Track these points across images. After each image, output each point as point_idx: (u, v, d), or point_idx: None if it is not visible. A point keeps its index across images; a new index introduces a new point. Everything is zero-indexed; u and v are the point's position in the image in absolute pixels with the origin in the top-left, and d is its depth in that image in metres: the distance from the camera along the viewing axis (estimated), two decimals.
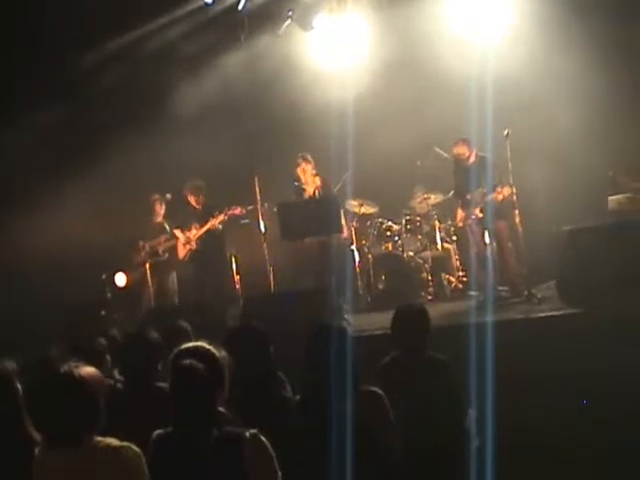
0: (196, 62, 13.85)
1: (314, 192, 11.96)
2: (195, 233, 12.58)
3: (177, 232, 12.78)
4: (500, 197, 10.70)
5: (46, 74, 13.30)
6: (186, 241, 12.65)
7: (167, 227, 12.91)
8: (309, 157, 11.98)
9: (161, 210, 12.98)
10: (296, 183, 11.95)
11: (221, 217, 12.32)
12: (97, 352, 6.04)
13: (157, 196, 13.00)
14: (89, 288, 12.98)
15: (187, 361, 4.30)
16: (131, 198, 13.12)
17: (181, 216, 12.87)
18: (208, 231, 12.47)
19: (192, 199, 12.71)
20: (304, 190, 11.96)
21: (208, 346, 4.52)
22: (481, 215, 11.15)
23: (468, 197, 11.37)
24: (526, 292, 10.55)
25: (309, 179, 11.96)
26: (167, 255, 12.82)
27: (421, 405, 5.48)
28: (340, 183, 12.54)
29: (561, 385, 7.94)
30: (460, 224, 11.89)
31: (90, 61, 13.33)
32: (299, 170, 11.95)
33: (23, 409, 4.38)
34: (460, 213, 11.76)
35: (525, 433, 7.25)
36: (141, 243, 12.85)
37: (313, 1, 13.18)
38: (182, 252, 12.71)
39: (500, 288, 11.10)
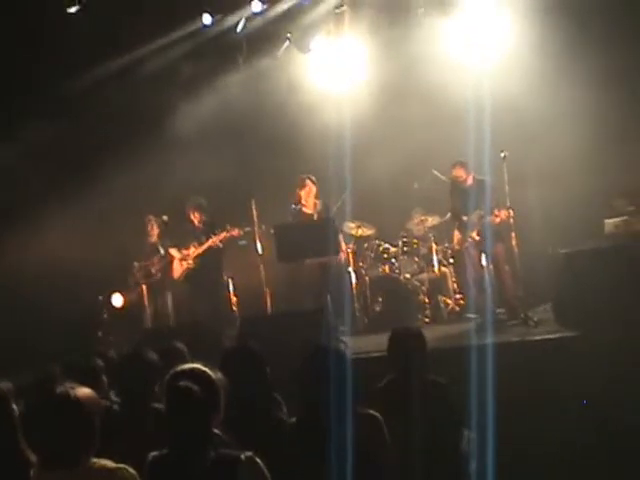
0: (195, 83, 13.92)
1: (314, 215, 11.94)
2: (194, 251, 12.56)
3: (173, 251, 12.76)
4: (497, 220, 10.71)
5: (45, 91, 13.32)
6: (183, 258, 12.63)
7: (160, 248, 12.88)
8: (314, 179, 11.98)
9: (154, 231, 12.98)
10: (294, 206, 11.92)
11: (223, 235, 12.30)
12: (93, 373, 6.02)
13: (151, 217, 13.00)
14: (86, 308, 12.98)
15: (183, 383, 4.30)
16: (130, 217, 13.14)
17: (180, 235, 12.84)
18: (208, 249, 12.45)
19: (195, 217, 12.69)
20: (303, 212, 11.93)
21: (204, 368, 4.51)
22: (478, 238, 11.16)
23: (465, 219, 11.37)
24: (522, 315, 10.53)
25: (310, 202, 11.95)
26: (160, 275, 12.80)
27: (417, 427, 5.47)
28: (337, 205, 12.54)
29: (558, 407, 7.94)
30: (457, 246, 11.91)
31: (90, 80, 13.37)
32: (303, 191, 11.92)
33: (19, 430, 4.38)
34: (457, 235, 11.77)
35: (524, 454, 7.24)
36: (135, 265, 12.85)
37: (311, 24, 13.25)
38: (178, 271, 12.68)
39: (497, 310, 11.10)
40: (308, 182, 11.92)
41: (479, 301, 11.15)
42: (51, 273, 13.19)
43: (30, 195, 13.31)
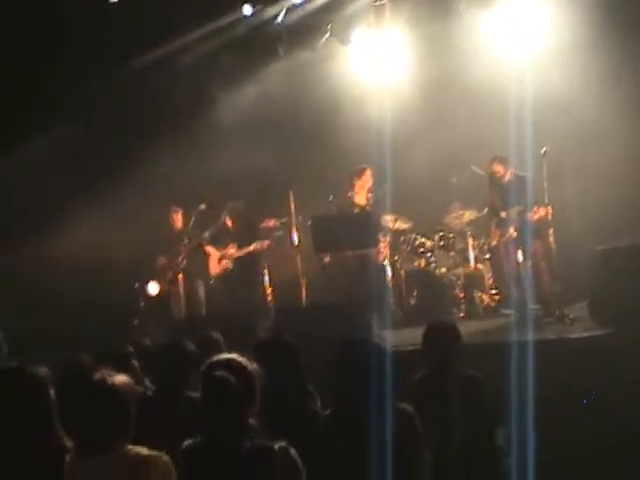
0: (235, 74, 13.93)
1: (365, 207, 11.93)
2: (233, 252, 12.56)
3: (210, 249, 12.76)
4: (536, 217, 10.67)
5: (83, 84, 13.38)
6: (221, 258, 12.65)
7: (184, 238, 12.87)
8: (372, 171, 12.00)
9: (179, 221, 13.00)
10: (332, 197, 11.91)
11: (267, 242, 12.35)
12: (127, 360, 6.06)
13: (175, 207, 13.04)
14: (122, 296, 13.05)
15: (219, 373, 4.31)
16: (166, 208, 13.18)
17: (213, 231, 12.83)
18: (248, 253, 12.49)
19: (229, 220, 12.70)
20: (353, 202, 11.92)
21: (240, 358, 4.52)
22: (516, 234, 11.11)
23: (503, 215, 11.32)
24: (558, 312, 10.47)
25: (363, 193, 11.95)
26: (186, 263, 12.80)
27: (453, 422, 5.46)
28: (376, 196, 12.51)
29: (593, 406, 7.89)
30: (494, 242, 11.84)
31: (129, 71, 13.42)
32: (360, 181, 11.94)
33: (55, 416, 4.42)
34: (494, 231, 11.71)
35: (560, 452, 7.21)
36: (160, 259, 12.89)
37: (351, 15, 13.22)
38: (216, 268, 12.70)
39: (533, 307, 11.03)
40: (368, 172, 11.92)
41: (516, 297, 11.10)
42: (88, 263, 13.32)
43: (66, 186, 13.37)
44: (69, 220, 13.07)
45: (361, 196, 12.00)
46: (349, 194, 11.98)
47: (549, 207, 10.59)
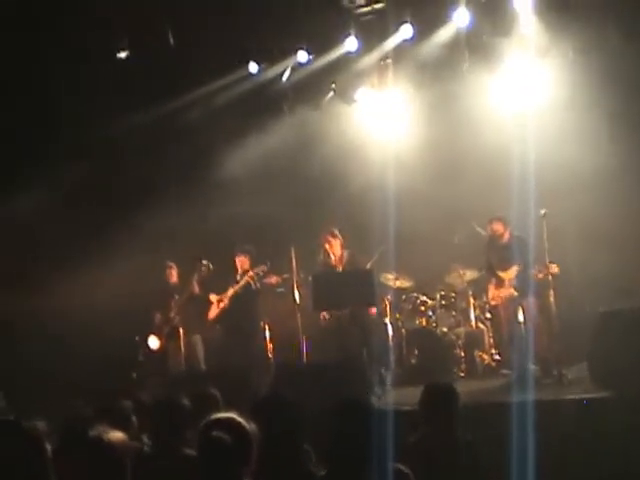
0: (239, 131, 14.02)
1: (339, 267, 11.93)
2: (231, 290, 12.58)
3: (212, 296, 12.80)
4: (540, 275, 10.69)
5: (87, 135, 13.47)
6: (220, 300, 12.66)
7: (176, 294, 12.90)
8: (336, 232, 12.00)
9: (173, 277, 13.05)
10: (322, 257, 11.93)
11: (258, 269, 12.35)
12: (125, 415, 6.06)
13: (169, 263, 13.09)
14: (122, 349, 13.03)
15: (215, 433, 4.31)
16: (168, 259, 13.23)
17: (219, 280, 12.87)
18: (245, 285, 12.48)
19: (240, 262, 12.71)
20: (330, 264, 11.92)
21: (239, 419, 4.52)
22: (516, 293, 11.12)
23: (501, 275, 11.33)
24: (556, 372, 10.44)
25: (337, 254, 11.93)
26: (178, 319, 12.82)
27: None
28: (376, 255, 12.54)
29: (590, 467, 7.85)
30: (493, 302, 11.83)
31: (134, 124, 13.51)
32: (327, 245, 11.95)
33: (51, 470, 4.40)
34: (492, 290, 11.69)
35: None
36: (157, 314, 12.91)
37: (355, 75, 13.36)
38: (213, 312, 12.69)
39: (532, 367, 11.01)
40: (329, 238, 11.93)
41: (514, 357, 11.08)
42: (89, 314, 13.32)
43: (70, 234, 13.42)
44: (68, 270, 13.09)
45: (336, 257, 11.98)
46: (321, 257, 12.00)
47: (555, 265, 10.61)
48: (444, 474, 5.52)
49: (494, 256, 11.51)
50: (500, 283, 11.43)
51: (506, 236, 11.32)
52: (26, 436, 4.46)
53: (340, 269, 11.88)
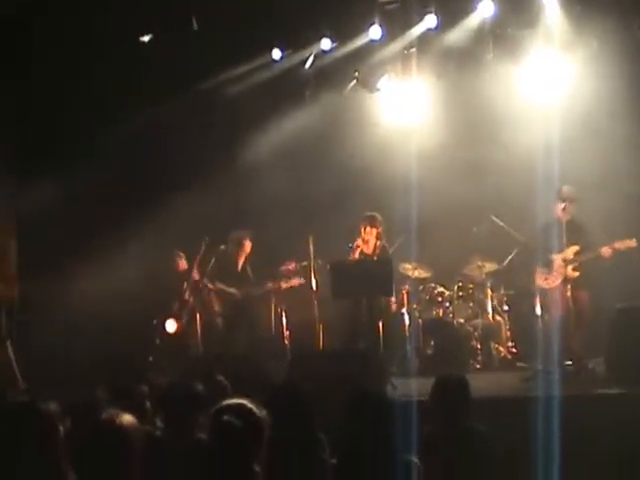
0: (261, 117, 14.00)
1: (372, 257, 11.85)
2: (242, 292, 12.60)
3: (211, 285, 12.78)
4: (608, 254, 10.50)
5: (111, 124, 13.47)
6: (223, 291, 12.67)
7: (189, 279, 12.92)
8: (380, 219, 11.91)
9: (183, 265, 13.04)
10: (351, 244, 11.82)
11: (297, 281, 12.37)
12: (139, 398, 6.08)
13: (177, 252, 13.09)
14: (140, 333, 13.08)
15: (225, 417, 4.32)
16: (189, 244, 13.24)
17: (224, 273, 12.87)
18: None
19: (244, 251, 12.71)
20: (362, 252, 11.83)
21: (250, 405, 4.54)
22: (577, 274, 10.83)
23: (552, 257, 10.90)
24: (591, 366, 10.38)
25: (372, 243, 11.80)
26: (192, 301, 12.83)
27: (459, 476, 5.43)
28: (396, 244, 12.51)
29: (605, 465, 7.82)
30: (545, 285, 11.16)
31: (156, 111, 13.51)
32: (366, 230, 11.82)
33: (62, 452, 4.43)
34: (542, 272, 11.15)
35: None
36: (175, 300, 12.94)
37: (378, 63, 13.31)
38: (216, 307, 12.72)
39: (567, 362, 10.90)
40: (366, 225, 11.84)
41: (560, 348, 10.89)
42: (108, 298, 13.39)
43: (96, 223, 13.48)
44: (88, 257, 13.14)
45: (370, 246, 11.89)
46: (357, 242, 11.81)
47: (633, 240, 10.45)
48: (456, 465, 5.50)
49: (550, 237, 10.94)
50: (555, 266, 10.95)
51: (568, 215, 10.90)
52: (40, 417, 4.50)
53: (374, 257, 11.80)
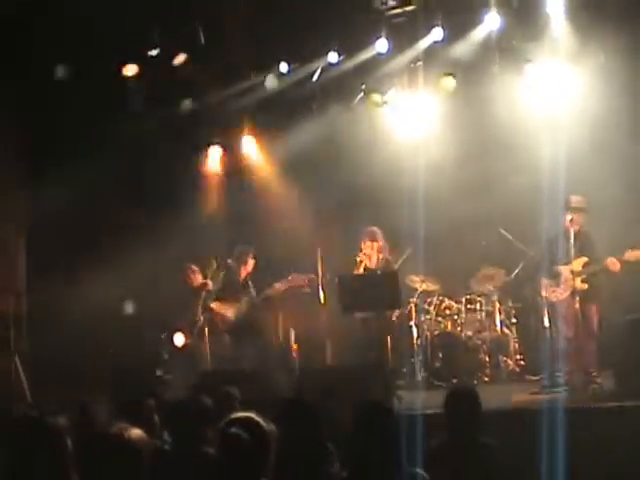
0: (268, 130, 14.04)
1: (376, 271, 11.81)
2: (233, 307, 12.56)
3: (214, 305, 12.77)
4: (618, 264, 10.37)
5: (117, 131, 13.51)
6: (222, 314, 12.64)
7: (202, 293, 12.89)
8: (376, 234, 11.82)
9: (197, 279, 13.02)
10: (357, 258, 11.79)
11: (303, 278, 12.28)
12: (147, 412, 6.08)
13: (191, 266, 13.06)
14: (148, 346, 13.10)
15: (234, 430, 4.33)
16: (197, 258, 13.28)
17: (228, 287, 12.87)
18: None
19: (246, 267, 12.68)
20: (365, 266, 11.78)
21: (257, 418, 4.54)
22: (586, 286, 10.66)
23: (559, 269, 10.76)
24: (590, 380, 10.33)
25: (374, 257, 11.76)
26: (203, 318, 12.81)
27: None
28: (404, 257, 12.51)
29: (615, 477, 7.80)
30: (553, 298, 11.02)
31: (158, 120, 13.55)
32: (367, 244, 11.78)
33: (71, 466, 4.43)
34: (547, 284, 11.04)
35: None
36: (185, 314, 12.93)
37: (385, 77, 13.32)
38: (221, 325, 12.71)
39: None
40: (367, 240, 11.74)
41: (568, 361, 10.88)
42: (115, 312, 13.43)
43: (99, 229, 13.51)
44: (105, 263, 13.18)
45: (372, 260, 11.79)
46: (359, 257, 11.70)
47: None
48: (464, 478, 5.49)
49: (556, 248, 10.86)
50: (557, 277, 10.84)
51: (576, 227, 10.76)
52: (48, 431, 4.50)
53: (377, 272, 11.74)
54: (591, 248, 10.75)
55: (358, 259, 11.64)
